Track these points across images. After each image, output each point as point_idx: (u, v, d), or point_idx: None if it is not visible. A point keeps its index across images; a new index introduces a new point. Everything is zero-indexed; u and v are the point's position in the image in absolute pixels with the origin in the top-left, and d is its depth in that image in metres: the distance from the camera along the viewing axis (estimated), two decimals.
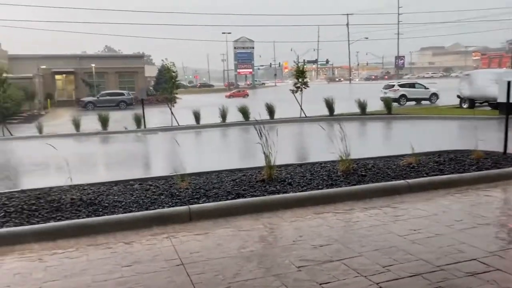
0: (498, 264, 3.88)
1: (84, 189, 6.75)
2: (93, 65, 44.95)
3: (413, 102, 31.05)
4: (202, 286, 3.71)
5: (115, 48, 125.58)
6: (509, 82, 8.51)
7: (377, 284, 3.60)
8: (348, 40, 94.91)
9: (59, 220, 5.39)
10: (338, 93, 32.84)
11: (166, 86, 23.56)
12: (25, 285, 3.89)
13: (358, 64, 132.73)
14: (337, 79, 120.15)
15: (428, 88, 32.79)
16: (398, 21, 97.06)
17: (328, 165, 8.04)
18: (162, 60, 23.69)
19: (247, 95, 59.20)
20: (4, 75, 18.93)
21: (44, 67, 42.52)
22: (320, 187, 6.59)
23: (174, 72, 22.19)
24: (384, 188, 6.50)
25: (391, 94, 30.41)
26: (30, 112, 34.98)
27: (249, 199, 6.07)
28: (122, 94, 40.47)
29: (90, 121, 22.18)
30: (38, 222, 5.34)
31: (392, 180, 6.83)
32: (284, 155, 8.86)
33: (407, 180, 6.73)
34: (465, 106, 23.81)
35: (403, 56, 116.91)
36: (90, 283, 3.85)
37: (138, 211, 5.65)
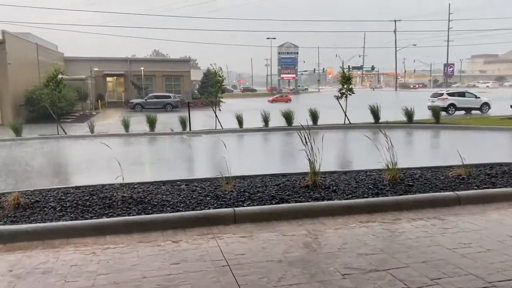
0: None
1: (134, 187, 7.03)
2: (142, 68, 46.48)
3: (463, 112, 29.93)
4: None
5: (163, 52, 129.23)
6: None
7: None
8: (395, 47, 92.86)
9: (111, 216, 5.65)
10: (383, 100, 32.21)
11: (212, 90, 23.97)
12: (81, 276, 4.11)
13: (405, 71, 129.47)
14: (378, 86, 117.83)
15: (479, 98, 31.49)
16: (449, 27, 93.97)
17: (374, 173, 7.94)
18: (211, 64, 24.01)
19: (290, 100, 59.11)
20: (60, 76, 19.90)
21: (96, 69, 44.39)
22: (365, 195, 6.52)
23: (220, 76, 22.55)
24: (432, 199, 6.34)
25: (439, 103, 29.46)
26: (82, 112, 36.64)
27: (293, 204, 6.10)
28: (169, 97, 41.53)
29: (138, 122, 22.96)
30: (91, 217, 5.61)
31: (440, 191, 6.65)
32: (328, 162, 8.84)
33: (457, 192, 6.53)
34: None
35: (453, 64, 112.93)
36: (141, 278, 4.02)
37: (185, 211, 5.82)
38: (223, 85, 24.87)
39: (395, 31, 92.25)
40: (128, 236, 5.18)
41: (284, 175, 7.97)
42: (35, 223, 5.44)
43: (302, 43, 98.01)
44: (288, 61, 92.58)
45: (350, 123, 21.50)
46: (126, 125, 20.23)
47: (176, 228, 5.40)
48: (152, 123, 20.23)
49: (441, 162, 8.97)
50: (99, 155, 12.98)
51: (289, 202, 6.19)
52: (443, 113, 28.24)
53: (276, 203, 6.16)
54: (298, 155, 7.11)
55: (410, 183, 7.08)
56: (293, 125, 21.27)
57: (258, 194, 6.58)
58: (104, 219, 5.52)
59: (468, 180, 7.30)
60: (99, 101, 42.46)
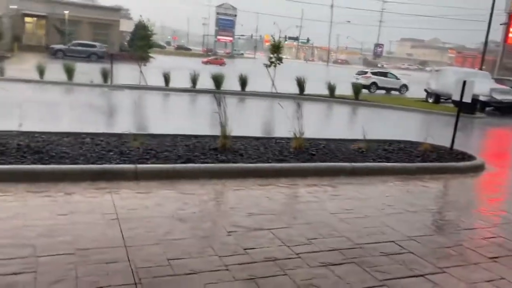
0: (412, 248, 4.19)
1: (34, 136, 6.70)
2: (66, 12, 43.17)
3: (383, 91, 31.61)
4: (132, 241, 3.85)
5: None
6: (464, 82, 8.86)
7: (296, 254, 3.84)
8: (331, 22, 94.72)
9: (2, 164, 5.37)
10: (314, 73, 33.08)
11: (139, 43, 23.00)
12: None
13: (337, 47, 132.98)
14: (311, 59, 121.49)
15: (399, 79, 33.38)
16: (382, 9, 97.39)
17: (283, 141, 8.23)
18: (140, 15, 22.93)
19: (224, 63, 58.42)
20: None
21: (15, 7, 40.51)
22: (270, 161, 6.78)
23: (150, 31, 21.67)
24: (329, 168, 6.76)
25: (362, 81, 30.80)
26: None
27: (198, 165, 6.19)
28: (94, 46, 39.15)
29: (57, 70, 21.52)
30: None
31: (339, 162, 7.10)
32: (243, 128, 9.03)
33: (353, 164, 7.01)
34: (430, 101, 24.48)
35: (382, 45, 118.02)
36: (21, 226, 3.92)
37: (84, 164, 5.68)
38: (152, 40, 23.93)
39: (332, 6, 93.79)
40: (18, 185, 4.97)
41: (196, 136, 8.00)
42: None
43: (241, 7, 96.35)
44: (226, 22, 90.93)
45: (276, 92, 21.85)
46: (41, 71, 18.88)
47: (72, 181, 5.27)
48: (70, 71, 19.06)
49: (347, 135, 9.51)
50: (1, 100, 12.05)
51: (195, 163, 6.28)
52: (365, 91, 29.63)
53: (181, 163, 6.21)
54: (216, 118, 7.16)
55: (313, 153, 7.47)
56: (221, 88, 21.19)
57: (165, 153, 6.58)
58: None
59: (367, 153, 7.85)
60: (16, 43, 39.03)
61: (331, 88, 22.10)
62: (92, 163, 5.74)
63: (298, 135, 7.67)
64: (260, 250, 3.86)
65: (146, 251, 3.67)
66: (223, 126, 7.19)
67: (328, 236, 4.30)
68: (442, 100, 24.04)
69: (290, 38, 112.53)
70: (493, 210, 5.86)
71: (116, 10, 51.51)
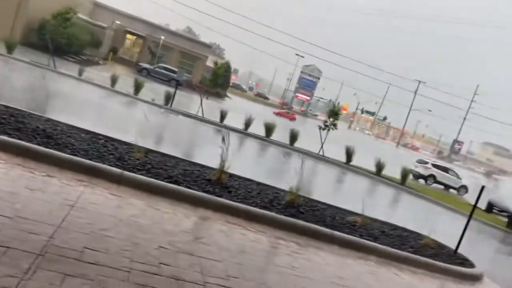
0: None
1: (56, 125, 7.49)
2: (163, 37, 47.10)
3: (442, 187, 30.27)
4: (67, 225, 4.22)
5: (197, 32, 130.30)
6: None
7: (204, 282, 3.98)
8: (411, 106, 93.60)
9: (12, 137, 6.10)
10: (377, 151, 32.71)
11: (218, 81, 24.53)
12: None
13: (414, 132, 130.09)
14: (382, 137, 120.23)
15: (460, 179, 31.89)
16: (469, 107, 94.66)
17: (281, 193, 8.33)
18: (217, 58, 24.63)
19: (295, 119, 59.59)
20: (72, 14, 20.44)
21: (118, 22, 45.01)
22: (252, 204, 6.95)
23: (219, 68, 23.14)
24: (307, 229, 6.79)
25: (421, 170, 29.95)
26: (90, 58, 37.18)
27: (176, 187, 6.54)
28: (175, 72, 42.04)
29: (130, 84, 23.43)
30: None
31: (319, 226, 7.08)
32: (252, 172, 9.30)
33: (333, 231, 6.97)
34: (482, 208, 23.16)
35: (462, 142, 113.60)
36: None
37: (80, 157, 6.26)
38: (230, 81, 25.47)
39: (415, 92, 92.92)
40: (13, 158, 5.62)
41: (201, 165, 8.39)
42: None
43: (327, 73, 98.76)
44: (308, 82, 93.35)
45: (322, 155, 21.94)
46: (113, 81, 20.72)
47: (61, 168, 5.83)
48: (138, 87, 20.71)
49: (357, 210, 9.33)
50: (65, 95, 13.46)
51: (180, 185, 6.63)
52: (421, 181, 28.71)
53: (167, 182, 6.59)
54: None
55: (303, 211, 7.53)
56: (270, 137, 21.78)
57: (159, 170, 7.02)
58: None
59: (359, 228, 7.74)
60: (111, 53, 43.02)
61: (379, 166, 21.75)
62: (90, 159, 6.30)
63: (294, 191, 7.81)
64: (168, 267, 4.05)
65: (72, 236, 4.02)
66: (222, 161, 7.54)
67: (250, 280, 4.39)
68: (495, 211, 22.63)
69: (367, 112, 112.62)
70: None
71: (207, 46, 55.17)
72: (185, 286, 3.81)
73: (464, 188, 31.02)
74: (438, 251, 8.22)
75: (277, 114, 58.78)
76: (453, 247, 8.68)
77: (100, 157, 6.60)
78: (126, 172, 6.28)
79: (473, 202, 26.24)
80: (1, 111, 7.11)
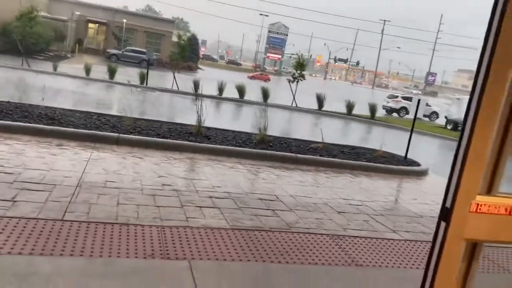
0: (282, 199, 5.77)
1: (54, 110, 8.82)
2: (124, 20, 47.26)
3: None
4: (89, 170, 5.71)
5: (157, 9, 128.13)
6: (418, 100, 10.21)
7: (196, 190, 5.55)
8: (380, 47, 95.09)
9: (23, 122, 7.47)
10: (352, 95, 34.27)
11: (183, 54, 25.53)
12: None
13: (389, 72, 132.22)
14: (358, 82, 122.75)
15: (429, 106, 33.87)
16: (436, 38, 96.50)
17: (252, 135, 9.88)
18: (179, 31, 25.58)
19: (269, 79, 60.56)
20: (35, 13, 21.14)
21: (78, 13, 44.98)
22: (229, 145, 8.50)
23: (183, 40, 24.17)
24: (274, 156, 8.39)
25: (392, 104, 31.78)
26: (57, 53, 37.56)
27: (165, 140, 8.04)
28: (145, 53, 42.66)
29: (103, 70, 24.39)
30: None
31: (282, 152, 8.68)
32: (232, 124, 10.71)
33: (297, 155, 8.58)
34: (449, 127, 25.18)
35: (435, 73, 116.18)
36: (17, 158, 5.91)
37: (81, 130, 7.68)
38: (186, 52, 26.44)
39: (382, 32, 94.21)
40: (29, 137, 7.01)
41: (181, 124, 9.86)
42: None
43: (294, 29, 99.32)
44: (276, 41, 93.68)
45: (295, 106, 23.49)
46: (87, 70, 21.74)
47: (68, 139, 7.26)
48: (112, 72, 21.79)
49: (315, 139, 10.92)
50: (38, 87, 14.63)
51: (166, 138, 8.12)
52: (394, 115, 30.54)
53: (157, 138, 8.07)
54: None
55: (271, 145, 9.11)
56: (244, 98, 23.21)
57: (148, 131, 8.48)
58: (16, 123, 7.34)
59: (321, 151, 9.36)
60: (77, 45, 43.26)
61: (349, 107, 23.42)
62: (88, 130, 7.73)
63: (262, 131, 9.36)
64: (169, 186, 5.60)
65: (95, 176, 5.51)
66: (199, 117, 9.02)
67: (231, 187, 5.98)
68: (460, 128, 24.67)
69: (339, 60, 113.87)
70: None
71: (170, 21, 55.34)
72: (183, 193, 5.36)
73: (435, 114, 33.12)
74: (389, 159, 9.93)
75: (252, 77, 59.69)
76: (401, 154, 10.43)
77: (97, 128, 8.03)
78: (122, 135, 7.74)
79: (442, 125, 27.91)
80: (7, 106, 8.43)
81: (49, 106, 8.93)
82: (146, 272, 3.28)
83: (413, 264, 4.31)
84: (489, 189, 1.52)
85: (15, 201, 4.24)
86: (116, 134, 7.70)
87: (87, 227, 3.89)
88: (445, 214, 1.46)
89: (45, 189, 4.74)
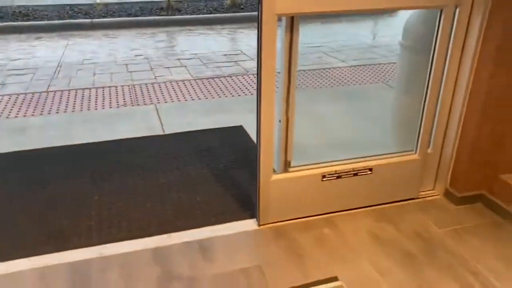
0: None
1: (27, 8, 9.08)
2: None
3: None
4: (67, 54, 6.28)
5: None
6: None
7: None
8: None
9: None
10: None
11: None
12: None
13: None
14: None
15: None
16: None
17: None
18: None
19: None
20: None
21: None
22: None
23: None
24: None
25: None
26: None
27: (140, 18, 8.38)
28: None
29: None
30: None
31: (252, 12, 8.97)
32: None
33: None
34: None
35: None
36: None
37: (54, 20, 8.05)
38: None
39: None
40: (7, 35, 7.47)
41: (154, 1, 10.02)
42: None
43: None
44: None
45: None
46: None
47: (45, 31, 7.69)
48: None
49: None
50: None
51: (138, 17, 8.47)
52: None
53: (126, 17, 8.42)
54: None
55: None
56: None
57: (120, 13, 8.79)
58: None
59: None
60: None
61: None
62: (63, 20, 8.10)
63: None
64: (151, 58, 6.19)
65: (73, 58, 6.10)
66: None
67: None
68: None
69: None
70: None
71: None
72: (153, 60, 5.97)
73: None
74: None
75: None
76: None
77: (71, 17, 8.37)
78: (95, 19, 8.11)
79: None
80: None
81: (20, 4, 9.15)
82: (120, 115, 4.05)
83: None
84: None
85: (4, 84, 4.94)
86: (89, 20, 8.07)
87: (69, 93, 4.62)
88: None
89: (29, 72, 5.39)
